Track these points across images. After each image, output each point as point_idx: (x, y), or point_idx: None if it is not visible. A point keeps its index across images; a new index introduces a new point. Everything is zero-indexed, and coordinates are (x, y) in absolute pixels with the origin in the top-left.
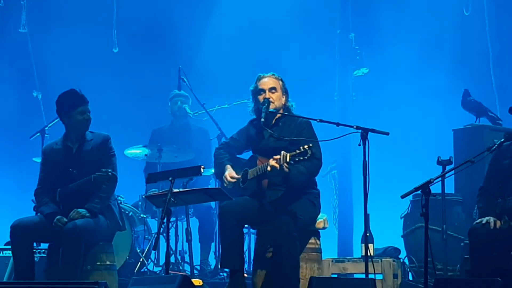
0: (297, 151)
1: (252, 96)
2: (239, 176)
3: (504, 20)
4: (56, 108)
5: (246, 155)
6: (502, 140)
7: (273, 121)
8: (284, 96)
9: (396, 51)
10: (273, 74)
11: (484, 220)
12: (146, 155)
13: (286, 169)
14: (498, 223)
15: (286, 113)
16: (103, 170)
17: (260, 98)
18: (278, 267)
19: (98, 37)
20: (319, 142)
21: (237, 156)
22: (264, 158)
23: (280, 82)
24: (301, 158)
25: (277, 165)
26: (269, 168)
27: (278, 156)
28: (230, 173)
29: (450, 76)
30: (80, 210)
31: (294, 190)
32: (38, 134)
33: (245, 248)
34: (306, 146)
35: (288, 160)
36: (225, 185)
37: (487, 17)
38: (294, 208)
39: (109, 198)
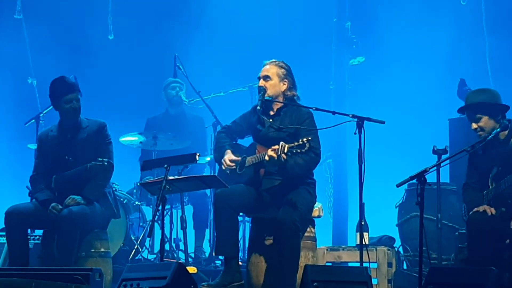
0: (296, 143)
1: None
2: (239, 158)
3: (501, 10)
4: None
5: (246, 141)
6: (498, 130)
7: (274, 110)
8: (284, 84)
9: (392, 40)
10: (275, 61)
11: (481, 208)
12: (141, 142)
13: (284, 160)
14: (493, 210)
15: (286, 102)
16: (99, 159)
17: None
18: (278, 256)
19: (93, 23)
20: (319, 138)
21: (239, 141)
22: (263, 147)
23: (280, 69)
24: (299, 151)
25: (275, 155)
26: (266, 158)
27: (276, 146)
28: (229, 157)
29: (446, 66)
30: (76, 197)
31: (290, 179)
32: (33, 120)
33: (240, 236)
34: (305, 139)
35: (286, 151)
36: (223, 168)
37: (483, 7)
38: (293, 198)
39: (105, 186)
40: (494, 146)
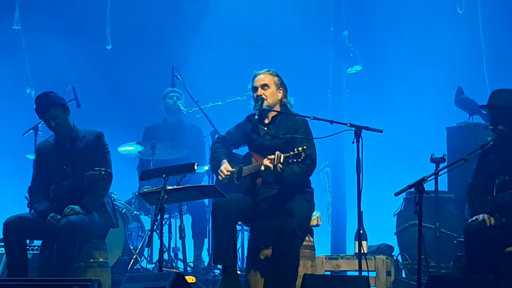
0: (291, 153)
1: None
2: (234, 169)
3: (497, 18)
4: None
5: (242, 151)
6: (495, 138)
7: (269, 119)
8: (280, 92)
9: (389, 48)
10: (268, 70)
11: (480, 217)
12: (139, 152)
13: (280, 170)
14: (492, 220)
15: (282, 111)
16: (96, 168)
17: (254, 96)
18: (277, 265)
19: (91, 33)
20: (315, 143)
21: (234, 151)
22: (259, 156)
23: (275, 77)
24: (295, 160)
25: (271, 165)
26: (263, 168)
27: (272, 156)
28: (226, 167)
29: (444, 74)
30: (74, 206)
31: (288, 188)
32: (31, 131)
33: (238, 245)
34: (300, 148)
35: (282, 161)
36: (220, 178)
37: (480, 15)
38: (291, 206)
39: (104, 196)
40: (507, 154)
